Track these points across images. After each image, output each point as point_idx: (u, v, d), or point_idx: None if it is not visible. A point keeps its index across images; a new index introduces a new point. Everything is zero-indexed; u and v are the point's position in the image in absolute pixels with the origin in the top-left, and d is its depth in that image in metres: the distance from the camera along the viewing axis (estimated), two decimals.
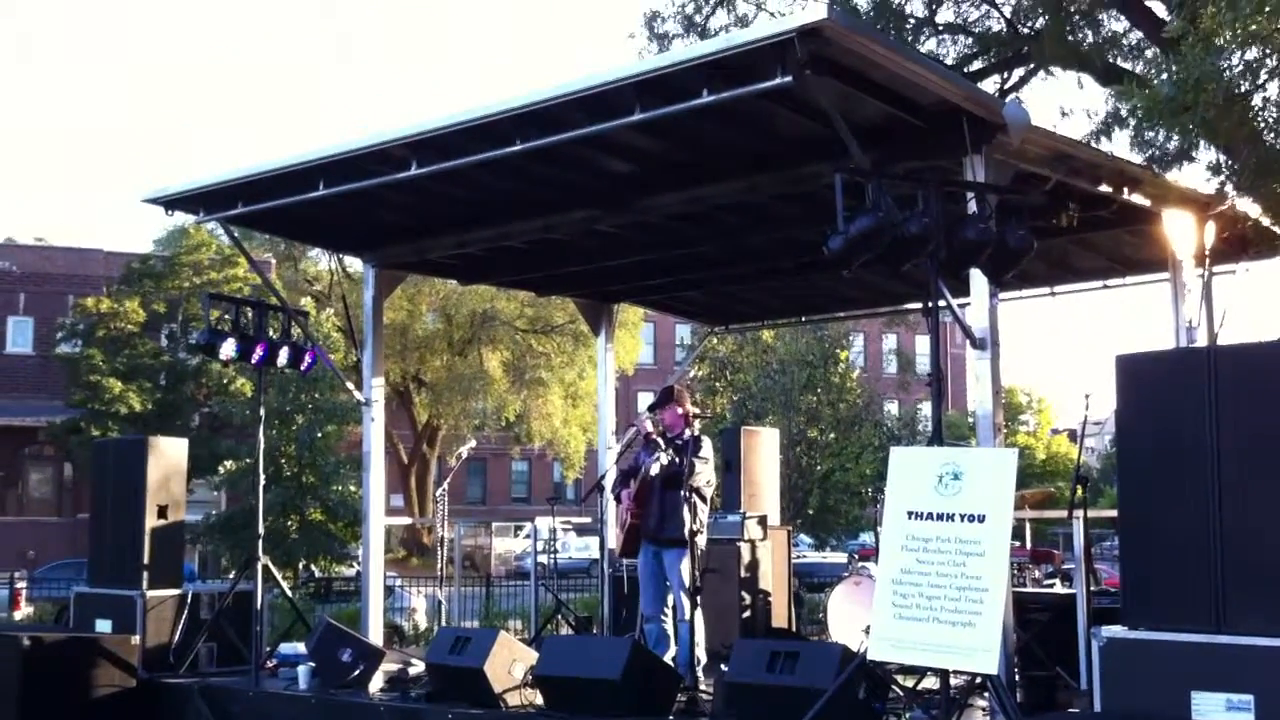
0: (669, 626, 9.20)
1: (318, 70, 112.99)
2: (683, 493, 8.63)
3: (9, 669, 9.36)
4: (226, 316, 10.74)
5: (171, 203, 10.45)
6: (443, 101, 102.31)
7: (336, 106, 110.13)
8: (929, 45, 15.56)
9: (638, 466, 9.23)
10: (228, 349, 10.47)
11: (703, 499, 9.04)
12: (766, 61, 6.94)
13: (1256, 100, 9.64)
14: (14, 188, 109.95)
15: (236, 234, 12.42)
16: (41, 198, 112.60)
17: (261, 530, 10.73)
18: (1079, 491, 8.16)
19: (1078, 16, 13.74)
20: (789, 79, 6.88)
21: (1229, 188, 10.09)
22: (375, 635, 11.05)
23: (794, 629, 11.71)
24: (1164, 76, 9.30)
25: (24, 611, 19.65)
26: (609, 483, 10.25)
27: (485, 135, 8.35)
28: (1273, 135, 9.75)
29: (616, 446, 12.92)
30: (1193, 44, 8.86)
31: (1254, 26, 8.70)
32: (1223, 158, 10.54)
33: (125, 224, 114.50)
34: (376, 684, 9.27)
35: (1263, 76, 9.37)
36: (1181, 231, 9.68)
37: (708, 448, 9.14)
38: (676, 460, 8.84)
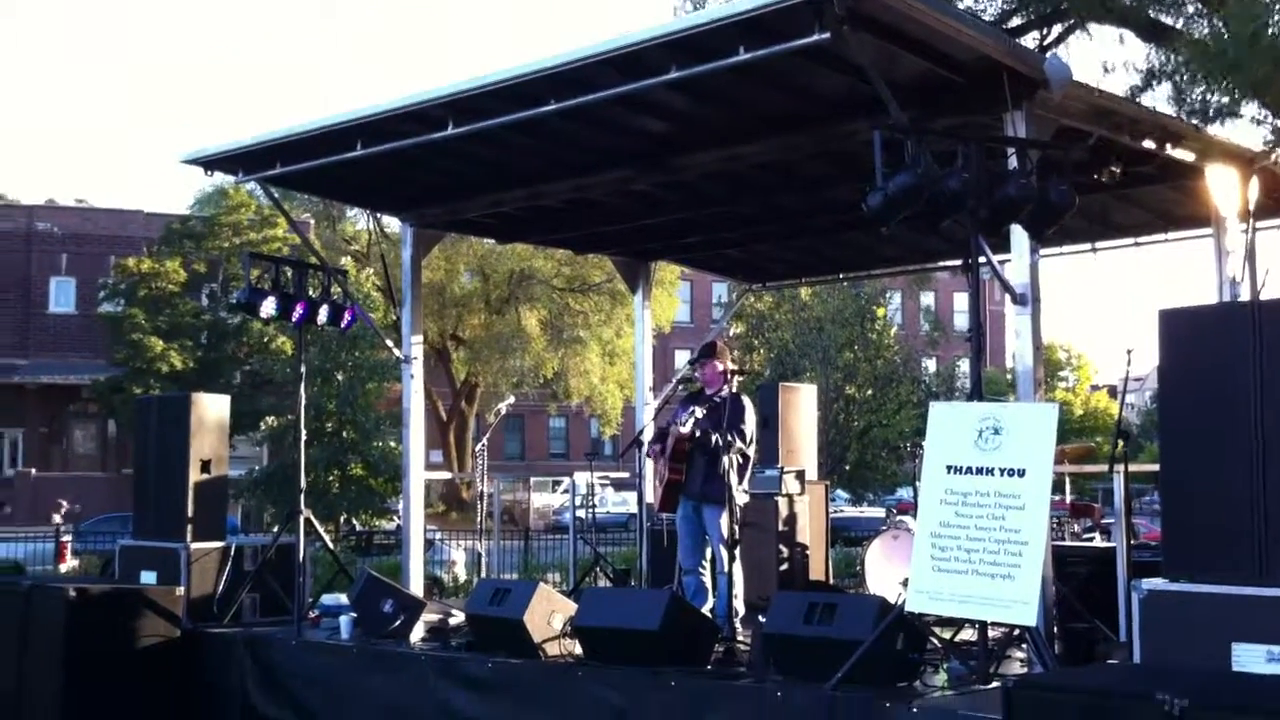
0: (707, 579, 9.27)
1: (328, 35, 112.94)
2: (727, 457, 8.64)
3: (55, 619, 9.51)
4: (266, 275, 10.82)
5: (210, 163, 10.51)
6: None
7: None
8: (967, 1, 15.40)
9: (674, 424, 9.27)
10: (268, 307, 10.55)
11: (747, 460, 9.09)
12: (803, 18, 6.88)
13: None
14: (55, 149, 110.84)
15: (276, 194, 12.48)
16: (82, 159, 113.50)
17: (303, 484, 10.86)
18: (1120, 445, 8.14)
19: None
20: (826, 35, 6.84)
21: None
22: (416, 587, 11.17)
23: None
24: (1213, 32, 9.17)
25: (70, 564, 19.95)
26: (647, 438, 10.30)
27: (520, 96, 8.34)
28: None
29: (654, 403, 12.97)
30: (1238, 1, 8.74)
31: None
32: (1270, 114, 10.41)
33: (165, 185, 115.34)
34: (417, 634, 9.38)
35: None
36: (1225, 187, 9.57)
37: (750, 411, 9.17)
38: (709, 418, 8.84)
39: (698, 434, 8.92)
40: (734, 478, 8.67)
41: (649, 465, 10.94)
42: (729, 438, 8.72)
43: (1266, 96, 9.55)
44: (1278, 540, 5.77)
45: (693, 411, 8.93)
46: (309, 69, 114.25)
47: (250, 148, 10.05)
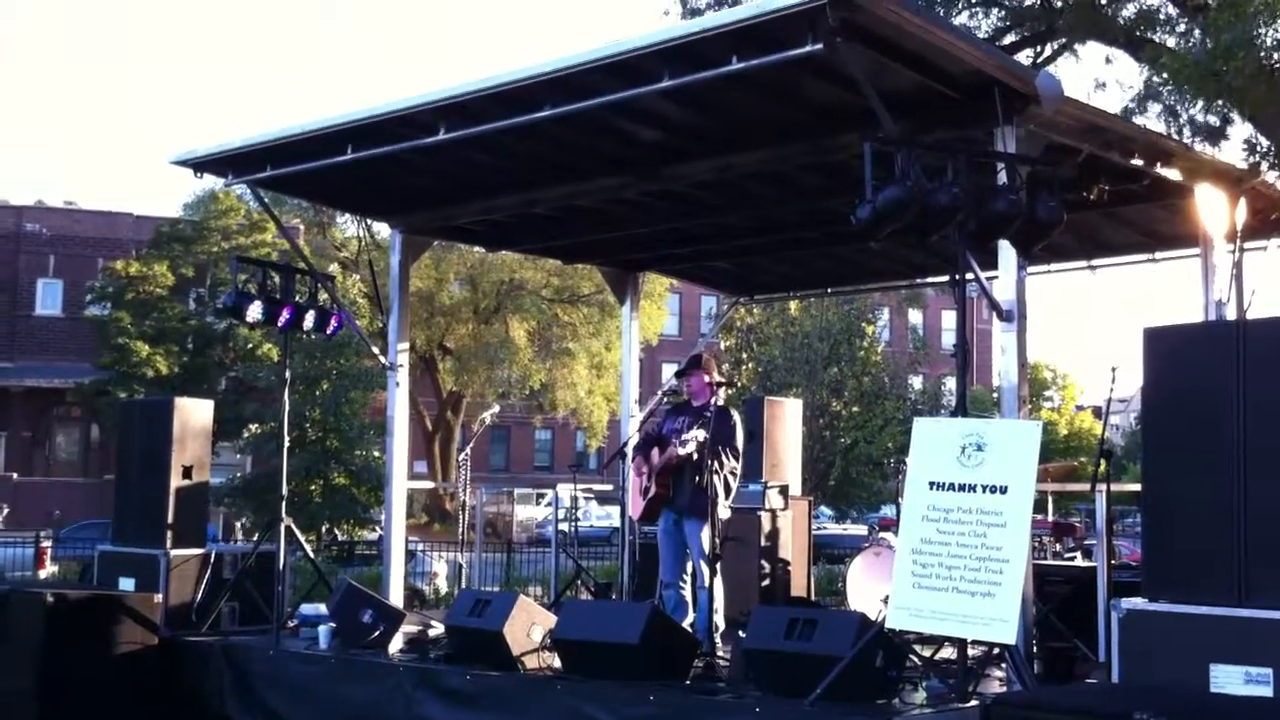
0: (688, 593, 9.21)
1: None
2: (717, 475, 8.59)
3: (33, 625, 9.44)
4: (253, 279, 10.77)
5: (200, 165, 10.44)
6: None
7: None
8: (961, 18, 15.46)
9: (663, 437, 9.20)
10: (254, 311, 10.49)
11: (735, 476, 9.05)
12: (797, 29, 6.88)
13: None
14: (44, 150, 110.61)
15: (265, 198, 12.42)
16: (72, 160, 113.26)
17: (285, 491, 10.79)
18: (1102, 464, 8.13)
19: None
20: (819, 46, 6.83)
21: (1265, 166, 9.99)
22: (396, 598, 11.10)
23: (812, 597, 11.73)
24: (1192, 42, 9.21)
25: (49, 570, 19.81)
26: (631, 449, 10.25)
27: (513, 101, 8.32)
28: None
29: (639, 415, 12.92)
30: (1221, 9, 8.78)
31: None
32: (1259, 136, 10.44)
33: (155, 188, 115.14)
34: (396, 645, 9.33)
35: None
36: (1213, 207, 9.58)
37: (739, 427, 9.12)
38: (705, 437, 8.78)
39: (694, 457, 8.86)
40: (720, 493, 8.63)
41: (631, 475, 10.90)
42: (725, 458, 8.69)
43: (1246, 107, 9.58)
44: (1258, 562, 5.76)
45: (693, 437, 8.82)
46: (307, 69, 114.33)
47: (240, 150, 10.00)
